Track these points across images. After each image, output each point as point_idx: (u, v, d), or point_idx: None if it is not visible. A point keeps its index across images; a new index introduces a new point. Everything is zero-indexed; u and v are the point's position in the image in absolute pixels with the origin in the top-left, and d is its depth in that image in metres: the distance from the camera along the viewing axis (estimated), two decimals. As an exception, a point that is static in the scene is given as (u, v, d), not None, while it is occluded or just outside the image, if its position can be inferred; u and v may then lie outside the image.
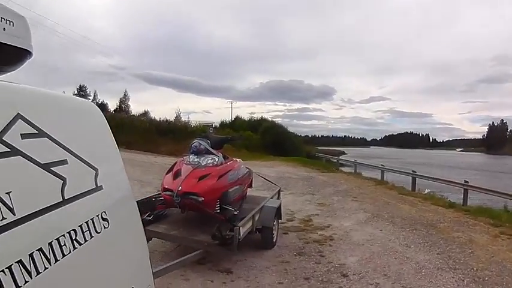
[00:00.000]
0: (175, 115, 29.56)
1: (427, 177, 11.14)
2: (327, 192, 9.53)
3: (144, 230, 3.77)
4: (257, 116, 33.35)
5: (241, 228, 3.77)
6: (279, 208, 5.01)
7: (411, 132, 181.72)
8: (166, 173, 4.34)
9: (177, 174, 4.13)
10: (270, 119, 33.47)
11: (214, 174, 4.11)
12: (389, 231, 5.74)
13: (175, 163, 4.51)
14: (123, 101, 50.82)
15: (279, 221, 5.26)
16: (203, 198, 3.81)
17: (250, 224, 4.25)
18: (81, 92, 51.46)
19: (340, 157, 23.90)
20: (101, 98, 51.63)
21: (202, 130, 16.20)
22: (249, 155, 21.70)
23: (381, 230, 5.81)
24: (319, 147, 37.74)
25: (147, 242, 4.03)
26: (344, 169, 17.52)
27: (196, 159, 4.33)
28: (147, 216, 4.13)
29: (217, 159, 4.39)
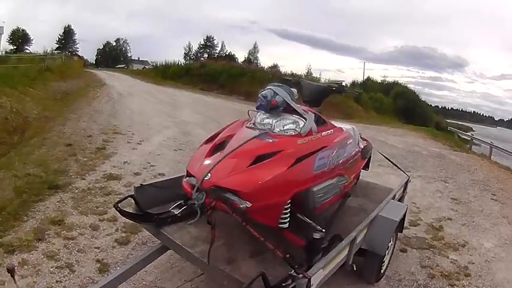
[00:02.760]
0: (306, 71, 30.15)
1: None
2: (461, 181, 8.14)
3: (159, 233, 2.27)
4: (389, 79, 31.35)
5: (315, 276, 1.76)
6: (402, 219, 2.94)
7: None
8: (206, 142, 2.21)
9: (218, 147, 2.05)
10: (403, 83, 30.98)
11: (287, 153, 1.96)
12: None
13: (230, 125, 2.32)
14: (252, 53, 52.32)
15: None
16: (250, 204, 1.76)
17: (343, 255, 2.22)
18: (208, 42, 54.17)
19: (472, 134, 21.29)
20: (228, 49, 53.76)
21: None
22: (378, 118, 20.80)
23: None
24: (447, 120, 34.01)
25: (163, 253, 2.33)
26: (474, 148, 15.18)
27: (266, 121, 2.19)
28: (173, 208, 2.36)
29: (302, 125, 2.15)
